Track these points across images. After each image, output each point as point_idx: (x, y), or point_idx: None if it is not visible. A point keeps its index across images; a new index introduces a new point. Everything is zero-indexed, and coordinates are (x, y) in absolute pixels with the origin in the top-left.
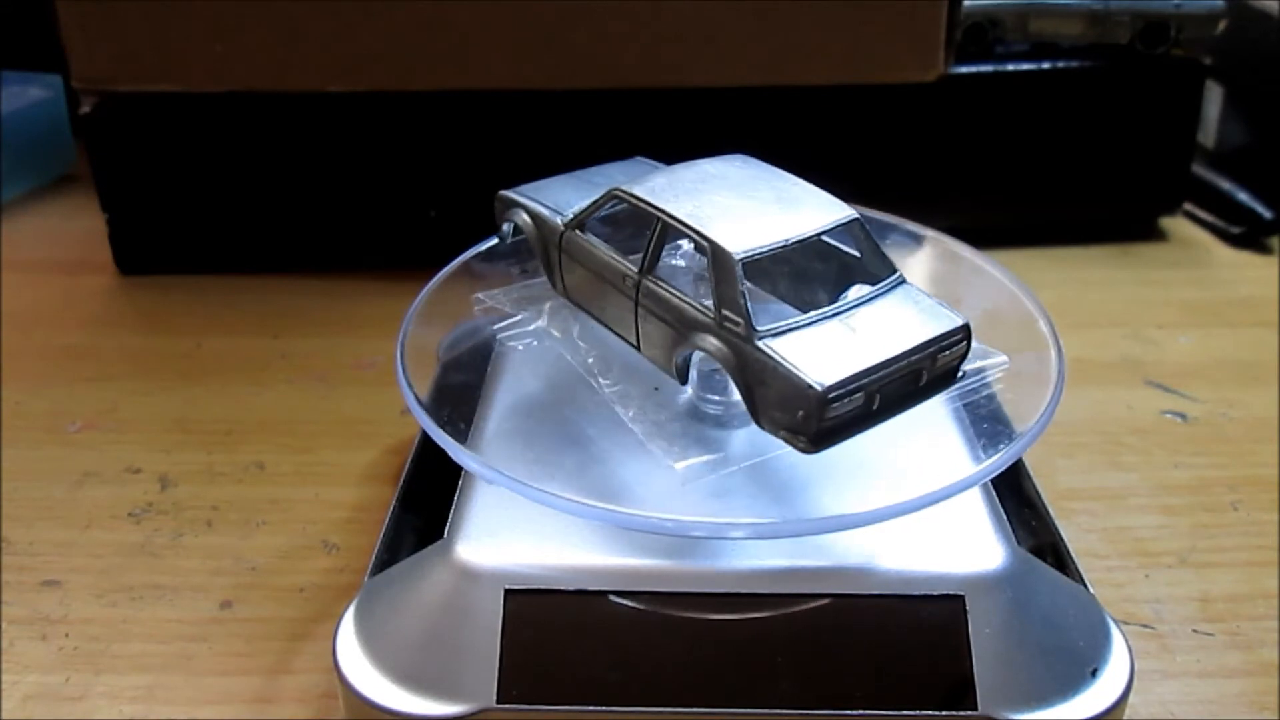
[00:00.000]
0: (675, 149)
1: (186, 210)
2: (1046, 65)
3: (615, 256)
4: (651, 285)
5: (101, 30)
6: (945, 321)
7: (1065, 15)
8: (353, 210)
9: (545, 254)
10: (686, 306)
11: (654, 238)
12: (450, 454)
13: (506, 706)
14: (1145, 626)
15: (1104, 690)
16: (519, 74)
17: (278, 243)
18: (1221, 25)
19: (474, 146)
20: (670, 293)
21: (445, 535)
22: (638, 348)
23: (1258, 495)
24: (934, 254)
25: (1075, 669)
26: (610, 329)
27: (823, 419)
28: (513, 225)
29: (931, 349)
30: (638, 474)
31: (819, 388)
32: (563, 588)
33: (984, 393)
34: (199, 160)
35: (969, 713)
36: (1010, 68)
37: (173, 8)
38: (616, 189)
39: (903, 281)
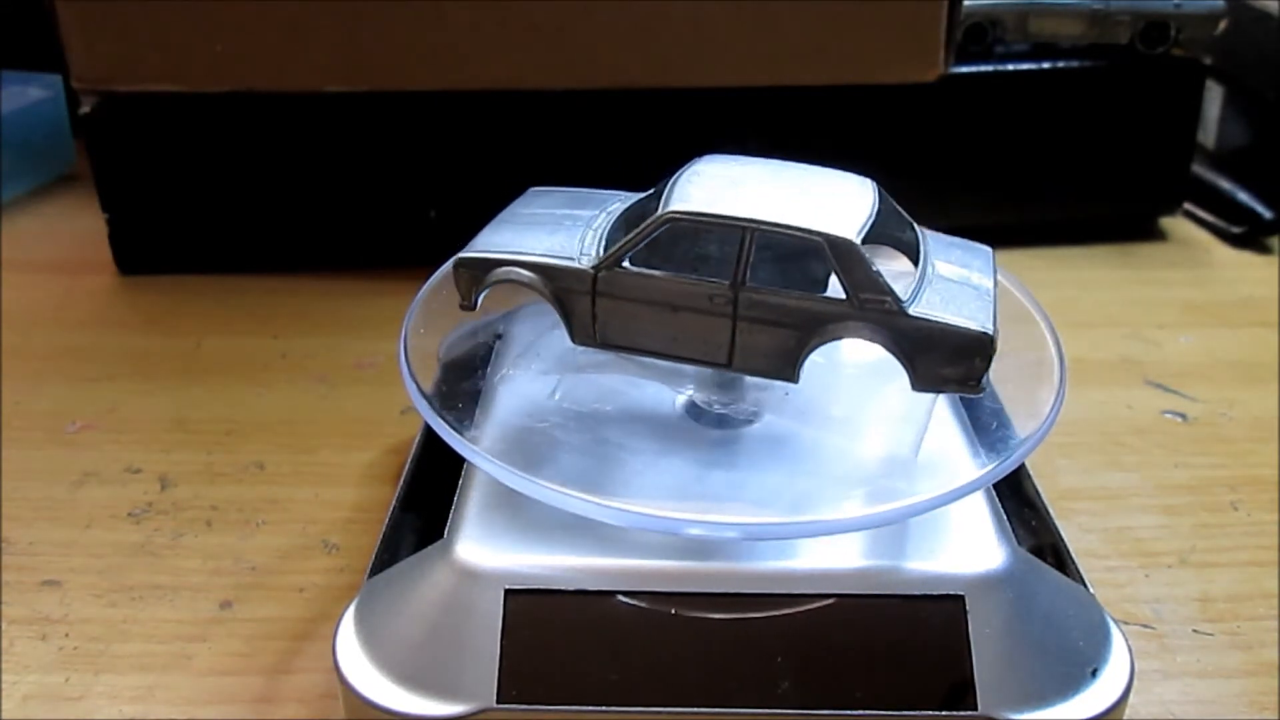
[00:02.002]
0: (675, 149)
1: (186, 210)
2: (1046, 65)
3: (693, 278)
4: (754, 295)
5: (101, 30)
6: (984, 253)
7: (1065, 15)
8: (353, 210)
9: (566, 306)
10: (810, 303)
11: (745, 248)
12: (451, 445)
13: (506, 706)
14: (1145, 626)
15: (1104, 690)
16: (519, 74)
17: (278, 243)
18: (1221, 25)
19: (474, 146)
20: (783, 297)
21: (445, 535)
22: (726, 365)
23: (1258, 495)
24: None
25: (1075, 669)
26: (678, 358)
27: (991, 361)
28: (484, 290)
29: (994, 278)
30: (639, 473)
31: (990, 333)
32: (563, 588)
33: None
34: (199, 160)
35: (969, 713)
36: (1010, 68)
37: (173, 8)
38: (672, 213)
39: (922, 230)
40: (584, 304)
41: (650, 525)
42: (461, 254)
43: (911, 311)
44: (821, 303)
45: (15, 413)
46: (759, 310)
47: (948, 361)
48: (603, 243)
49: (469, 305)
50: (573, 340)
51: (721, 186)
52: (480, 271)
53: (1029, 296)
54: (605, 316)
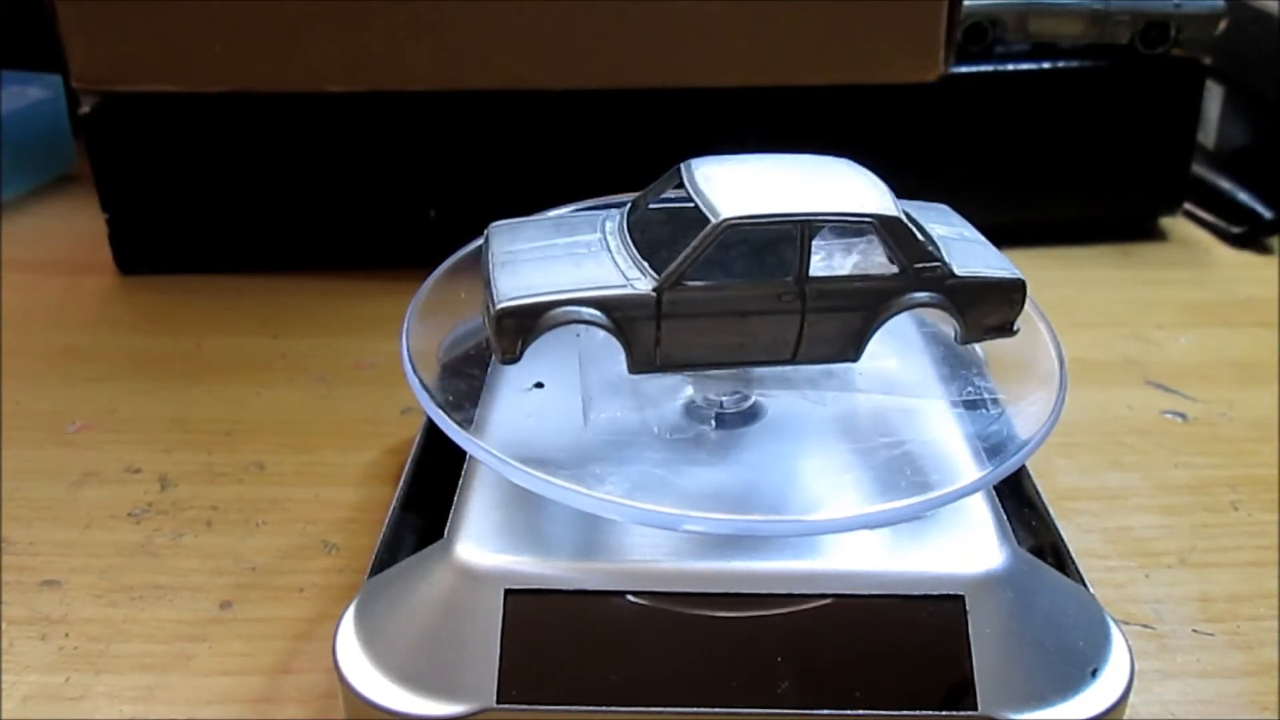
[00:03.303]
0: (675, 149)
1: (186, 210)
2: (1046, 65)
3: (759, 281)
4: (821, 285)
5: (101, 30)
6: (947, 209)
7: (1065, 15)
8: (353, 210)
9: (628, 335)
10: (873, 283)
11: (803, 241)
12: (453, 438)
13: (506, 706)
14: (1145, 626)
15: (1104, 690)
16: (519, 74)
17: (278, 243)
18: (1221, 25)
19: (474, 146)
20: (847, 281)
21: (445, 535)
22: (790, 360)
23: (1258, 495)
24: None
25: (1075, 669)
26: (742, 364)
27: (1024, 303)
28: (534, 340)
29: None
30: (639, 469)
31: (1021, 277)
32: (563, 588)
33: (986, 394)
34: (199, 160)
35: (969, 713)
36: (1010, 68)
37: (173, 8)
38: (729, 220)
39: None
40: (647, 329)
41: (648, 520)
42: (502, 304)
43: (959, 272)
44: (884, 280)
45: (15, 413)
46: (827, 299)
47: (993, 310)
48: (640, 263)
49: (514, 358)
50: (632, 370)
51: (750, 186)
52: (529, 319)
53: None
54: (669, 337)
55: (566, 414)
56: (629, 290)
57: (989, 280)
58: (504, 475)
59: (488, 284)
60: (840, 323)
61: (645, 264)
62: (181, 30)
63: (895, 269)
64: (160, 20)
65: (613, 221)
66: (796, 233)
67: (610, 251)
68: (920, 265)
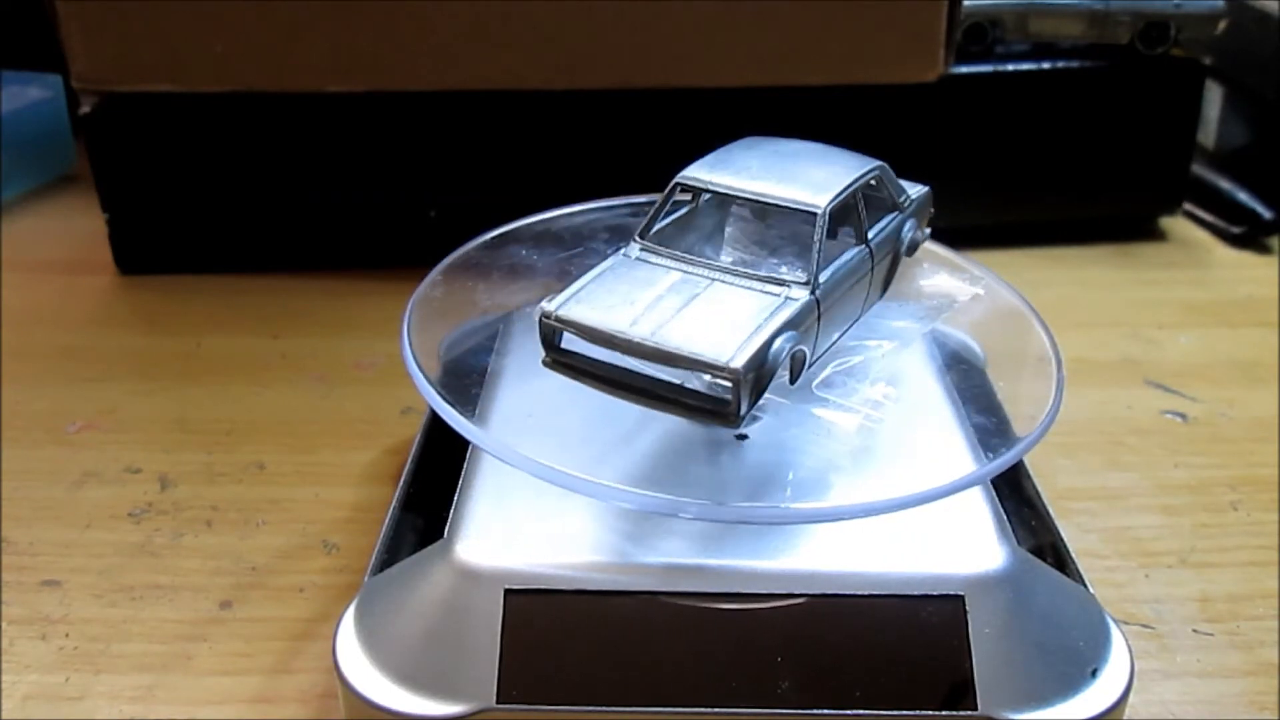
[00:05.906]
0: (675, 149)
1: (186, 210)
2: (1046, 65)
3: (850, 256)
4: (876, 242)
5: (101, 30)
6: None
7: (1065, 15)
8: (353, 210)
9: (808, 345)
10: (891, 225)
11: (861, 206)
12: (455, 428)
13: (506, 706)
14: (1145, 626)
15: (1104, 690)
16: (518, 74)
17: (278, 243)
18: (1221, 25)
19: (474, 146)
20: (884, 230)
21: (445, 535)
22: (858, 318)
23: (1258, 495)
24: (922, 258)
25: (1075, 669)
26: (838, 336)
27: None
28: (754, 396)
29: None
30: (639, 462)
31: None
32: (563, 588)
33: (984, 390)
34: (199, 160)
35: (969, 713)
36: (1010, 68)
37: (173, 8)
38: (829, 208)
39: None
40: (812, 335)
41: (645, 506)
42: (734, 364)
43: (912, 195)
44: (893, 220)
45: (15, 413)
46: (880, 252)
47: (925, 219)
48: (766, 277)
49: (742, 418)
50: (796, 380)
51: (790, 174)
52: (760, 369)
53: (1020, 296)
54: (821, 334)
55: (567, 411)
56: (796, 303)
57: (922, 197)
58: (510, 465)
59: (662, 359)
60: (883, 270)
61: (772, 275)
62: (181, 30)
63: (884, 209)
64: (160, 20)
65: (656, 254)
66: (857, 201)
67: (712, 281)
68: (900, 199)
